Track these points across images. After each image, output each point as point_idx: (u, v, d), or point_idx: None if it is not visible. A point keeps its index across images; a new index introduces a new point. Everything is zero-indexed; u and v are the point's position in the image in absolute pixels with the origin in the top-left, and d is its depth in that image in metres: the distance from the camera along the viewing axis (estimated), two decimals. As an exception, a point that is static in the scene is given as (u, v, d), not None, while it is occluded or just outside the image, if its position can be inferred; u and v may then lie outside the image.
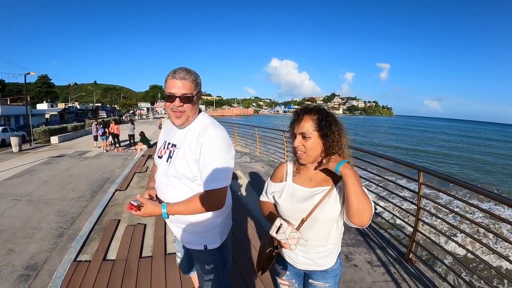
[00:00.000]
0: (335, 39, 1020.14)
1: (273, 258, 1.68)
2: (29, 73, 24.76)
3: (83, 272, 3.41)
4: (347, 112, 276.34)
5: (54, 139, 22.37)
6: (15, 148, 18.24)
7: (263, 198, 1.84)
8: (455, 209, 9.05)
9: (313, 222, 1.54)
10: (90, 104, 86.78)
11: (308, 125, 1.50)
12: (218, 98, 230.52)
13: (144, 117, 79.05)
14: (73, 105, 67.07)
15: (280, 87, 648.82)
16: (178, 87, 1.65)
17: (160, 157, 1.87)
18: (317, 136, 1.50)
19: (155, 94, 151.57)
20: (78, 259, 3.77)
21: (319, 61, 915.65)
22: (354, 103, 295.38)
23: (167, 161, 1.79)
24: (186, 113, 1.70)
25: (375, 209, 5.06)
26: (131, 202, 1.65)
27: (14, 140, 18.37)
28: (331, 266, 1.70)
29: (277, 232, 1.44)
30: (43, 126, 27.21)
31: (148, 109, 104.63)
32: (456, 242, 3.29)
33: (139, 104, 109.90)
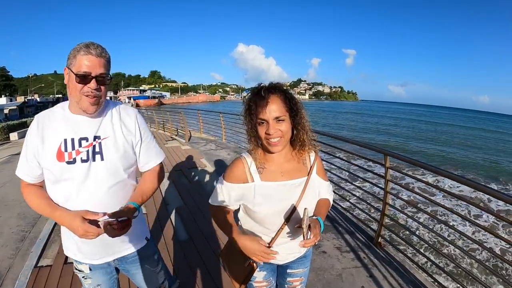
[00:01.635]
0: (302, 24, 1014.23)
1: (255, 270, 1.53)
2: None
3: (44, 278, 3.19)
4: (313, 97, 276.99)
5: (13, 136, 20.91)
6: None
7: (214, 201, 1.57)
8: (422, 193, 9.46)
9: (297, 216, 1.41)
10: (51, 96, 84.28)
11: (279, 106, 1.33)
12: (183, 84, 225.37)
13: (106, 106, 76.67)
14: (33, 97, 64.49)
15: (247, 73, 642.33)
16: (96, 65, 1.34)
17: (71, 162, 1.38)
18: (288, 117, 1.36)
19: (118, 82, 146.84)
20: (39, 265, 3.52)
21: (286, 46, 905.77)
22: (320, 88, 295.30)
23: (93, 160, 1.41)
24: (102, 98, 1.42)
25: (342, 194, 5.11)
26: (119, 220, 1.29)
27: None
28: (308, 249, 1.67)
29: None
30: (1, 122, 25.78)
31: (110, 98, 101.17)
32: (423, 224, 3.34)
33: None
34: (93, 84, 1.33)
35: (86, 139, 1.42)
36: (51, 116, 1.45)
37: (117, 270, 1.75)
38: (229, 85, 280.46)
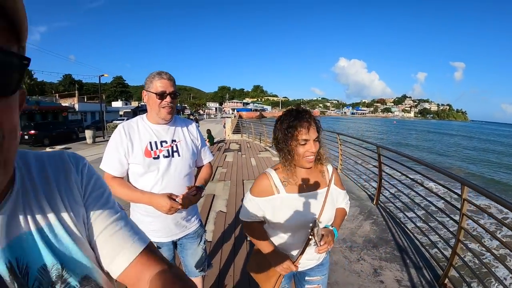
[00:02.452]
0: (406, 36, 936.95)
1: (282, 279, 1.69)
2: (103, 75, 27.68)
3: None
4: (419, 115, 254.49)
5: None
6: (89, 140, 20.40)
7: (245, 217, 1.73)
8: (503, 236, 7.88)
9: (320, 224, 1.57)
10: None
11: (315, 129, 1.54)
12: (284, 99, 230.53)
13: (212, 116, 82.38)
14: (145, 103, 74.45)
15: (348, 88, 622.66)
16: (168, 86, 1.84)
17: (156, 158, 1.86)
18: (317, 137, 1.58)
19: (224, 95, 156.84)
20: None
21: (389, 60, 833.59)
22: (427, 105, 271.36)
23: (173, 156, 1.91)
24: (174, 109, 1.91)
25: (417, 221, 4.63)
26: (197, 187, 1.92)
27: (88, 133, 20.56)
28: (325, 257, 1.82)
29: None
30: (117, 121, 29.80)
31: (216, 109, 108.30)
32: (497, 277, 2.67)
33: (207, 104, 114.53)
34: (168, 98, 1.84)
35: (166, 141, 1.92)
36: (134, 126, 1.91)
37: (175, 245, 2.14)
38: (330, 100, 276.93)
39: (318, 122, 1.59)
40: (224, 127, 23.81)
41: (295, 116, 1.54)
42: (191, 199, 1.84)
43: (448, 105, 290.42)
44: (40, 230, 0.56)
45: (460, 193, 3.05)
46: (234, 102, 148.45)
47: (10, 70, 0.44)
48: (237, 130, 22.89)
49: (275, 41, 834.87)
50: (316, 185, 1.65)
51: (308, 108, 1.64)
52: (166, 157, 1.88)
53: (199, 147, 2.11)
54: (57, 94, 49.94)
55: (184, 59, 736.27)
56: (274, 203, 1.58)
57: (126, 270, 0.64)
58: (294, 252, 1.67)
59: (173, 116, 1.95)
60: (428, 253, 3.74)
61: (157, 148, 1.87)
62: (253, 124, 20.44)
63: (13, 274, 0.51)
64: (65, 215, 0.61)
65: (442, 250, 3.58)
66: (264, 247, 1.66)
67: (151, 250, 0.68)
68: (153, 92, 1.82)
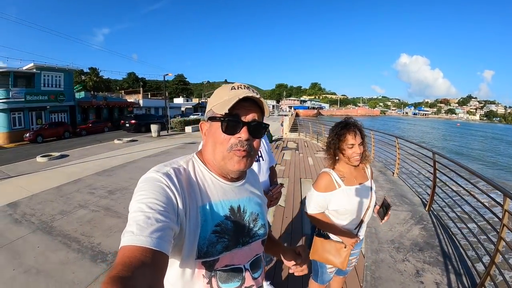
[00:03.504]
0: (471, 30, 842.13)
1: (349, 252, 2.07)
2: (167, 74, 30.14)
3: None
4: (485, 118, 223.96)
5: (188, 129, 26.37)
6: (154, 134, 22.16)
7: (314, 211, 2.08)
8: None
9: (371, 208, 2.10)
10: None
11: (360, 136, 1.97)
12: (342, 97, 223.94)
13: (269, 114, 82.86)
14: (206, 100, 77.53)
15: (410, 86, 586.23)
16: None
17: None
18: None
19: (281, 92, 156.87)
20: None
21: (454, 56, 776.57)
22: (493, 108, 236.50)
23: (259, 161, 2.38)
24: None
25: (462, 227, 4.71)
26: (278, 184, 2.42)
27: (153, 127, 22.31)
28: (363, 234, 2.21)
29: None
30: (179, 117, 32.01)
31: (273, 106, 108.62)
32: None
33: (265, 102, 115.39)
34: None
35: None
36: None
37: None
38: (391, 99, 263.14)
39: (362, 130, 2.01)
40: (282, 125, 24.00)
41: (344, 126, 1.99)
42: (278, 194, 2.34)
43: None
44: (249, 197, 1.16)
45: (502, 203, 3.11)
46: (291, 99, 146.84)
47: (262, 128, 1.05)
48: (294, 128, 22.80)
49: (334, 37, 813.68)
50: (363, 179, 2.09)
51: (356, 120, 2.05)
52: (256, 161, 2.33)
53: (268, 152, 2.57)
54: (122, 91, 54.37)
55: (242, 57, 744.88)
56: (337, 195, 1.98)
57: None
58: (352, 229, 2.10)
59: None
60: (469, 261, 3.84)
61: None
62: (311, 123, 20.37)
63: (239, 211, 1.10)
64: (258, 194, 1.24)
65: (482, 259, 3.66)
66: (332, 229, 2.05)
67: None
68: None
